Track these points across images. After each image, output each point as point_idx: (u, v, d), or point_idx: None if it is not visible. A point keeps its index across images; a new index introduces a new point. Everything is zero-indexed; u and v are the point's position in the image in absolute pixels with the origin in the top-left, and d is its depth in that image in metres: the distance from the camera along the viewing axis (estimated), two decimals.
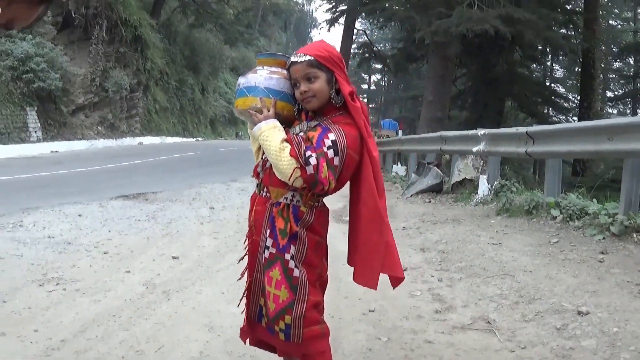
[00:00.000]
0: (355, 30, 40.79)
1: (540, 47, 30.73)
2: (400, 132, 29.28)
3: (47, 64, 28.68)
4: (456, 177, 13.97)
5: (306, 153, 3.01)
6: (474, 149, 12.40)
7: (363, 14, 33.78)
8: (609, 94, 53.59)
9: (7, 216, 9.28)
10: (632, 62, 47.80)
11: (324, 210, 3.36)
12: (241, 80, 3.32)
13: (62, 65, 30.42)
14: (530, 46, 27.94)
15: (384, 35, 72.36)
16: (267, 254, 3.26)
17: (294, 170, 3.02)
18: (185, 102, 53.11)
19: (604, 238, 7.25)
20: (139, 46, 39.66)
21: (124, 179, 16.36)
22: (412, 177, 15.95)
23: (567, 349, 4.19)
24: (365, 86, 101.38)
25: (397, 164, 22.58)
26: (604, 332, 4.37)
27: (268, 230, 3.26)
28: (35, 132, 27.92)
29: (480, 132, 12.36)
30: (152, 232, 8.76)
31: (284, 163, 3.03)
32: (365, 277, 3.35)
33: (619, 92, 54.58)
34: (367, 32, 51.55)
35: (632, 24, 51.63)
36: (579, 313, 4.78)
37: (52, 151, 26.57)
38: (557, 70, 58.27)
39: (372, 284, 3.34)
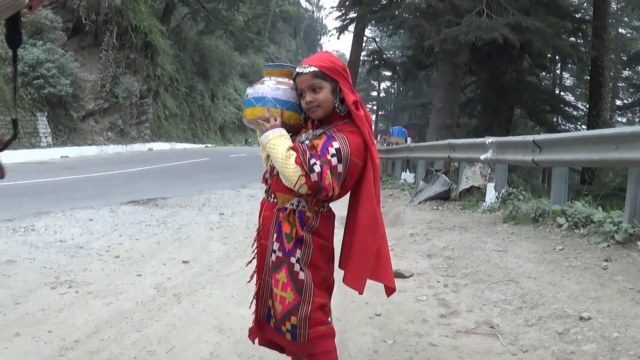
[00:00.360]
0: (364, 38, 40.82)
1: (549, 55, 30.79)
2: (409, 139, 29.37)
3: (58, 69, 28.77)
4: (464, 185, 14.03)
5: (310, 161, 3.11)
6: (482, 157, 12.46)
7: (373, 22, 33.75)
8: (618, 102, 53.51)
9: (18, 220, 9.37)
10: None
11: (330, 216, 3.47)
12: (249, 91, 3.44)
13: (73, 71, 30.52)
14: (539, 54, 28.02)
15: (394, 42, 72.44)
16: (274, 257, 3.37)
17: (299, 177, 3.12)
18: (194, 108, 53.21)
19: (608, 246, 7.32)
20: (149, 52, 39.78)
21: (134, 185, 16.48)
22: (420, 184, 16.01)
23: (568, 353, 4.28)
24: (374, 93, 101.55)
25: (406, 171, 22.63)
26: (604, 337, 4.45)
27: (275, 235, 3.37)
28: (46, 137, 28.01)
29: (488, 140, 12.43)
30: (162, 237, 8.86)
31: (290, 170, 3.14)
32: (353, 279, 3.45)
33: (628, 100, 54.42)
34: (377, 39, 51.71)
35: None
36: (581, 318, 4.86)
37: (62, 156, 26.69)
38: (567, 78, 58.22)
39: (359, 287, 3.45)
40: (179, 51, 49.53)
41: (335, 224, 3.51)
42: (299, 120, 3.40)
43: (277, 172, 3.31)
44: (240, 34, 57.37)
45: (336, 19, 34.57)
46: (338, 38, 79.93)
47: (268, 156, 3.48)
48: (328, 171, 3.11)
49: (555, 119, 40.47)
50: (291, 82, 3.39)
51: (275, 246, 3.36)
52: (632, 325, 4.62)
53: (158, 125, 43.40)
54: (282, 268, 3.32)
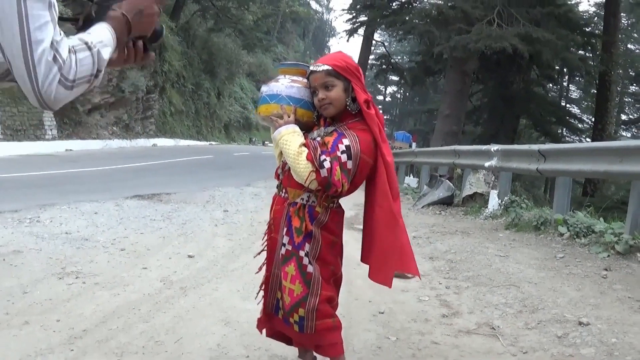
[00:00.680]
0: (373, 42, 40.82)
1: (557, 67, 30.83)
2: (414, 144, 29.40)
3: None
4: (467, 191, 14.10)
5: (321, 157, 3.21)
6: (486, 164, 12.55)
7: (383, 26, 33.76)
8: (623, 117, 53.64)
9: (24, 211, 9.39)
10: None
11: (339, 211, 3.56)
12: (264, 89, 3.53)
13: None
14: (547, 66, 28.06)
15: (402, 47, 72.56)
16: (283, 250, 3.46)
17: (309, 173, 3.22)
18: (200, 105, 53.10)
19: (608, 256, 7.40)
20: (157, 48, 39.74)
21: (139, 179, 16.51)
22: (424, 189, 16.08)
23: (567, 356, 4.35)
24: (380, 97, 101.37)
25: (410, 176, 22.68)
26: (602, 342, 4.52)
27: (285, 229, 3.46)
28: (51, 130, 27.94)
29: (493, 147, 12.51)
30: (167, 232, 8.91)
31: (301, 166, 3.23)
32: (380, 275, 3.55)
33: (633, 115, 54.62)
34: (386, 44, 51.68)
35: None
36: (580, 324, 4.93)
37: (66, 149, 26.62)
38: (573, 90, 58.25)
39: (387, 282, 3.52)
40: (187, 48, 49.42)
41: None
42: (312, 118, 3.49)
43: (289, 168, 3.39)
44: (249, 33, 57.21)
45: (346, 21, 34.51)
46: (347, 41, 79.60)
47: (281, 152, 3.56)
48: (337, 167, 3.20)
49: (560, 131, 40.54)
50: (305, 80, 3.48)
51: (285, 240, 3.45)
52: (629, 332, 4.69)
53: (163, 122, 43.36)
54: (291, 261, 3.41)
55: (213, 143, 52.83)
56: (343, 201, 3.54)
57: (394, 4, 30.64)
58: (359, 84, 3.42)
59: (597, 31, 31.87)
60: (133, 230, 8.80)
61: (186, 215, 10.45)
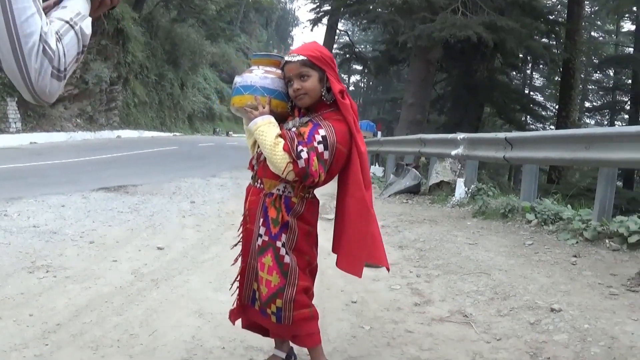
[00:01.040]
0: (337, 31, 40.82)
1: (521, 56, 31.02)
2: (379, 133, 29.43)
3: None
4: (434, 180, 14.17)
5: (298, 148, 3.21)
6: (453, 153, 12.61)
7: (347, 15, 33.78)
8: (587, 104, 54.10)
9: None
10: (611, 74, 48.29)
11: (315, 202, 3.57)
12: (237, 79, 3.52)
13: None
14: (512, 54, 28.19)
15: (366, 37, 72.54)
16: (260, 241, 3.45)
17: (287, 164, 3.22)
18: (164, 96, 52.83)
19: (577, 242, 7.49)
20: (120, 39, 39.38)
21: (104, 171, 16.38)
22: (390, 177, 16.11)
23: (540, 342, 4.39)
24: None
25: (375, 165, 22.73)
26: (575, 328, 4.57)
27: (261, 219, 3.46)
28: (15, 122, 27.67)
29: (460, 136, 12.58)
30: (135, 224, 8.85)
31: (278, 157, 3.23)
32: (349, 264, 3.55)
33: (597, 103, 55.09)
34: (349, 33, 51.70)
35: (614, 37, 52.19)
36: (552, 310, 4.98)
37: (31, 142, 26.39)
38: (537, 78, 58.65)
39: (357, 272, 3.54)
40: (150, 39, 49.12)
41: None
42: (286, 109, 3.49)
43: (264, 159, 3.39)
44: (212, 23, 56.94)
45: (310, 10, 34.52)
46: (312, 30, 79.77)
47: (254, 143, 3.57)
48: (315, 158, 3.20)
49: (524, 119, 40.83)
50: (279, 71, 3.48)
51: (262, 230, 3.44)
52: (601, 317, 4.75)
53: (127, 113, 43.07)
54: (268, 252, 3.41)
55: (177, 134, 52.65)
56: (321, 187, 3.54)
57: None
58: (333, 74, 3.43)
59: (560, 19, 32.14)
60: (101, 222, 8.74)
61: (153, 207, 10.40)
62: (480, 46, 24.22)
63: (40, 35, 1.77)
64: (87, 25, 2.02)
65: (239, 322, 3.80)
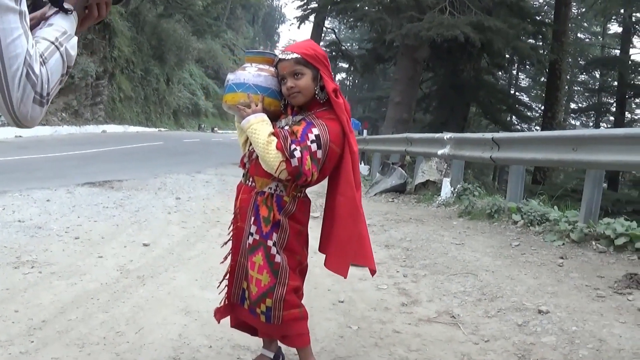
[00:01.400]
0: (324, 29, 40.74)
1: (507, 56, 31.10)
2: (365, 131, 29.45)
3: None
4: (420, 179, 14.17)
5: (291, 146, 3.18)
6: (439, 152, 12.62)
7: (334, 13, 33.71)
8: (572, 105, 54.44)
9: None
10: (597, 75, 48.52)
11: (306, 201, 3.54)
12: (230, 77, 3.50)
13: None
14: (498, 54, 28.25)
15: (352, 35, 72.51)
16: (250, 240, 3.43)
17: (280, 163, 3.19)
18: (149, 91, 52.68)
19: (563, 244, 7.49)
20: (106, 34, 39.26)
21: (90, 166, 16.33)
22: (376, 176, 16.11)
23: (529, 344, 4.38)
24: None
25: (361, 163, 22.72)
26: (563, 330, 4.56)
27: (252, 218, 3.43)
28: (0, 116, 27.52)
29: (446, 135, 12.58)
30: (120, 220, 8.82)
31: (271, 156, 3.20)
32: (336, 264, 3.53)
33: (582, 104, 55.47)
34: (336, 30, 51.63)
35: (600, 39, 52.51)
36: (540, 312, 4.98)
37: (16, 136, 26.21)
38: (522, 79, 58.91)
39: (343, 272, 3.53)
40: (137, 34, 48.98)
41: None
42: (279, 107, 3.47)
43: (256, 157, 3.37)
44: (198, 19, 56.59)
45: (297, 8, 34.40)
46: (299, 27, 79.34)
47: (246, 141, 3.54)
48: (308, 157, 3.18)
49: (509, 119, 40.94)
50: (272, 69, 3.45)
51: (253, 229, 3.42)
52: (589, 320, 4.75)
53: (112, 108, 42.93)
54: (258, 251, 3.38)
55: (162, 129, 52.47)
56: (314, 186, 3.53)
57: None
58: (327, 73, 3.40)
59: (547, 20, 32.24)
60: (86, 218, 8.71)
61: (138, 203, 10.37)
62: (467, 46, 24.26)
63: (25, 58, 1.71)
64: (72, 46, 1.96)
65: (226, 320, 3.78)
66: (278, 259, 3.35)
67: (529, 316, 4.95)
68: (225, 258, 3.71)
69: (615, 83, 39.15)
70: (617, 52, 42.45)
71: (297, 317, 3.42)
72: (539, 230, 8.33)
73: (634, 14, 31.91)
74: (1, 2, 1.66)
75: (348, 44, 64.65)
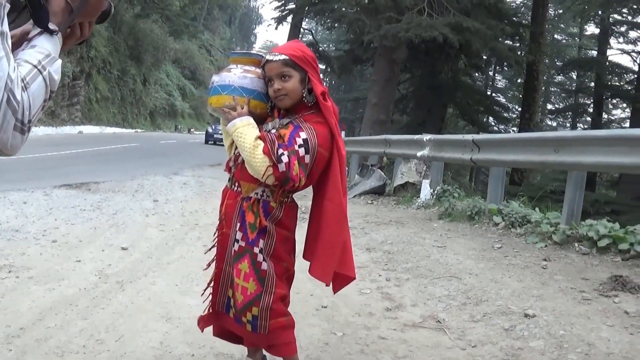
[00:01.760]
0: (301, 30, 40.75)
1: (485, 57, 31.21)
2: (342, 133, 29.42)
3: None
4: (399, 180, 14.15)
5: (278, 151, 3.10)
6: (419, 154, 12.59)
7: (311, 14, 33.69)
8: (549, 106, 54.88)
9: None
10: (574, 76, 48.89)
11: (293, 206, 3.46)
12: (215, 79, 3.41)
13: None
14: (476, 55, 28.37)
15: (329, 36, 72.53)
16: (236, 246, 3.35)
17: (267, 167, 3.10)
18: (126, 92, 52.66)
19: (546, 246, 7.47)
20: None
21: (66, 168, 16.22)
22: (355, 178, 16.08)
23: (516, 349, 4.33)
24: None
25: None
26: (550, 334, 4.52)
27: (238, 224, 3.35)
28: None
29: (426, 137, 12.56)
30: (98, 223, 8.71)
31: (258, 160, 3.12)
32: (322, 271, 3.45)
33: (559, 105, 55.90)
34: (313, 32, 51.64)
35: (577, 40, 52.88)
36: (526, 315, 4.93)
37: None
38: (499, 80, 59.18)
39: (327, 279, 3.46)
40: (114, 34, 48.93)
41: None
42: (265, 110, 3.39)
43: (242, 161, 3.29)
44: (175, 19, 56.62)
45: (275, 9, 34.44)
46: (276, 28, 79.46)
47: (232, 144, 3.47)
48: (296, 162, 3.11)
49: (486, 120, 41.12)
50: (258, 70, 3.37)
51: (238, 235, 3.34)
52: (576, 323, 4.71)
53: (89, 108, 42.82)
54: (244, 258, 3.30)
55: (139, 130, 52.43)
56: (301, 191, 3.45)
57: None
58: (316, 75, 3.33)
59: (525, 21, 32.44)
60: (63, 220, 8.60)
61: (116, 205, 10.27)
62: (444, 47, 24.36)
63: (6, 83, 1.61)
64: (56, 70, 1.85)
65: (208, 328, 3.70)
66: (264, 266, 3.27)
67: (516, 320, 4.90)
68: (209, 265, 3.63)
69: (593, 84, 39.39)
70: (594, 53, 42.80)
71: (284, 326, 3.34)
72: (520, 232, 8.31)
73: (611, 16, 32.08)
74: None
75: (325, 45, 64.74)
